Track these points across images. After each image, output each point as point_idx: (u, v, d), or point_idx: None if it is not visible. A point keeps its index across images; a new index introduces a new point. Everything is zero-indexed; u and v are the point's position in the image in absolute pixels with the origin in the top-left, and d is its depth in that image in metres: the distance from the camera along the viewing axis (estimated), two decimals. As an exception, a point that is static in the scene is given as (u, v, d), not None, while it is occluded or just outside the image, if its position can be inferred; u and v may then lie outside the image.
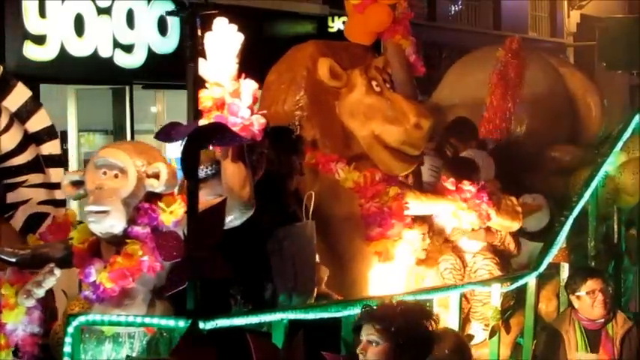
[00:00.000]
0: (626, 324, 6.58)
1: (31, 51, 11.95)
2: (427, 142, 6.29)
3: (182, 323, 4.34)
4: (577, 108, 8.21)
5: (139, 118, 14.05)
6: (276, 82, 6.06)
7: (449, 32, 21.63)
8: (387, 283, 5.85)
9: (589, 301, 6.44)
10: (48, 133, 6.61)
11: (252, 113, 4.68)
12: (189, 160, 4.32)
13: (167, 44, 13.31)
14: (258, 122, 4.67)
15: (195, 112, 4.32)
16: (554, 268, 7.12)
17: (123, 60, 12.90)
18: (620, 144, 7.62)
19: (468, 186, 6.35)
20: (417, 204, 6.12)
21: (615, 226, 7.68)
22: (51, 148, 6.62)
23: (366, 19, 7.64)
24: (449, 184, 6.35)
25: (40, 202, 6.44)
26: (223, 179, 4.72)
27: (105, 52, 12.71)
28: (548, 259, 6.70)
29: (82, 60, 12.44)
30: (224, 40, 4.70)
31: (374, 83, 5.99)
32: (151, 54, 13.23)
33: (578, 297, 6.49)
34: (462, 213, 6.32)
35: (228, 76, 4.68)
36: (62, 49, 12.20)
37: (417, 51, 7.76)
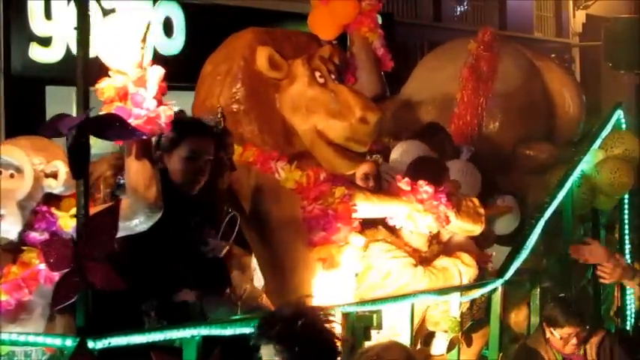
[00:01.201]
0: (598, 334, 6.28)
1: (37, 53, 11.79)
2: (376, 138, 5.78)
3: (70, 342, 3.84)
4: (554, 103, 7.61)
5: (144, 119, 13.92)
6: (212, 74, 5.54)
7: (454, 33, 21.24)
8: (332, 291, 5.36)
9: (561, 342, 6.25)
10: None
11: (160, 104, 4.17)
12: (78, 156, 3.82)
13: (173, 45, 13.16)
14: (165, 114, 4.15)
15: (85, 104, 3.82)
16: (526, 274, 6.63)
17: (128, 61, 12.70)
18: (598, 141, 7.14)
19: (424, 186, 5.80)
20: (366, 206, 5.60)
21: (594, 229, 7.24)
22: None
23: (330, 11, 7.25)
24: (403, 184, 5.81)
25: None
26: (126, 178, 4.22)
27: (110, 53, 12.46)
28: (516, 264, 6.23)
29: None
30: (127, 23, 4.20)
31: (317, 74, 5.43)
32: (156, 55, 12.90)
33: (552, 332, 6.26)
34: (417, 215, 5.76)
35: (132, 63, 4.18)
36: (68, 51, 11.90)
37: (385, 44, 7.36)
